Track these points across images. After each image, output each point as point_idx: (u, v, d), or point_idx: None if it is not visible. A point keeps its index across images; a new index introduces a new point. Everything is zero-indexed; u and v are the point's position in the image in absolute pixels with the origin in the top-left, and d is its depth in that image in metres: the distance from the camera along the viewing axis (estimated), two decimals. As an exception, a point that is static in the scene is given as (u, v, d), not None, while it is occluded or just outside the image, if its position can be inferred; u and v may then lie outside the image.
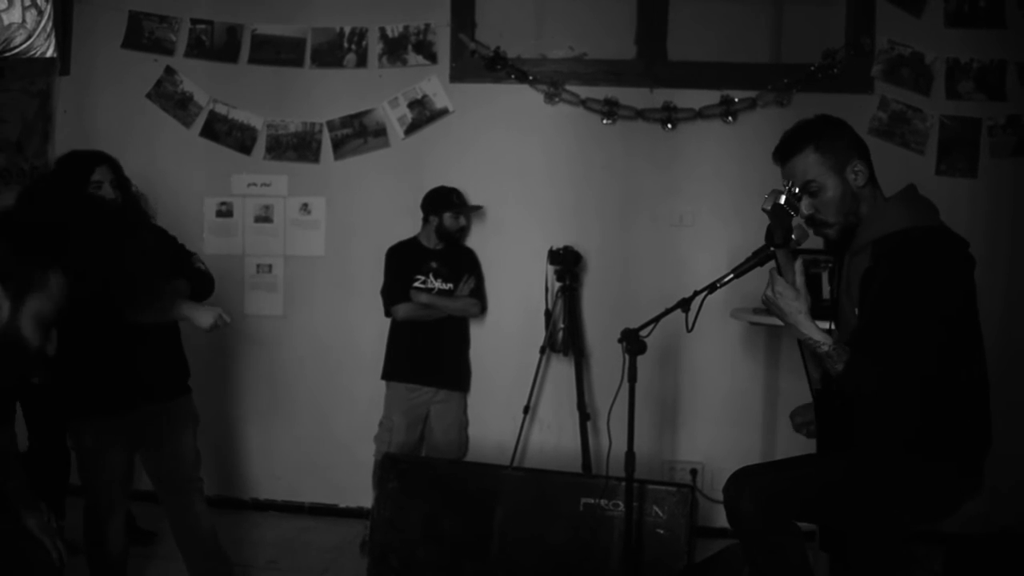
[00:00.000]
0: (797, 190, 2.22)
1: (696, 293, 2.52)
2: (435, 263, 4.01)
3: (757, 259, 2.36)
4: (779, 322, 3.48)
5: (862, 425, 2.30)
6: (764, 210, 2.20)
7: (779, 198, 2.19)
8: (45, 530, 2.19)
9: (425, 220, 4.04)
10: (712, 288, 2.49)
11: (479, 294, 4.10)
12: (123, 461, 2.93)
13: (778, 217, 2.19)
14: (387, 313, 3.99)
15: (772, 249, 2.20)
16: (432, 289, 3.98)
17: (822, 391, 2.43)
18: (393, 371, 4.02)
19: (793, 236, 2.27)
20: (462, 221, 4.06)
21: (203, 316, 2.87)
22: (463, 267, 4.07)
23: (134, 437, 2.97)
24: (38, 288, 1.65)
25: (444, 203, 4.00)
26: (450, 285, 4.01)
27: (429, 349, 3.98)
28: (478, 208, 4.15)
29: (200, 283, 3.11)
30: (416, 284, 3.96)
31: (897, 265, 2.15)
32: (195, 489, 3.09)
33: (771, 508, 2.18)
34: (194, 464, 3.09)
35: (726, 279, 2.44)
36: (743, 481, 2.26)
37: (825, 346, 2.13)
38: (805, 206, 2.27)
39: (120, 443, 2.90)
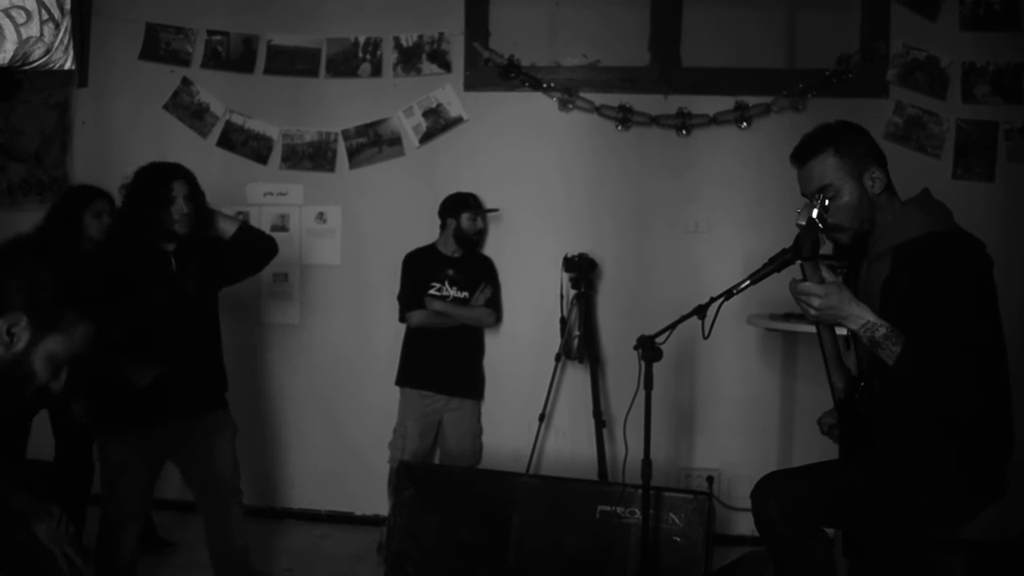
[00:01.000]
0: (828, 203, 2.21)
1: (712, 300, 2.52)
2: (452, 271, 4.01)
3: (774, 265, 2.36)
4: (795, 328, 3.50)
5: (884, 431, 2.29)
6: (799, 225, 2.18)
7: (812, 212, 2.18)
8: (53, 538, 2.20)
9: (443, 225, 4.05)
10: (729, 295, 2.48)
11: (495, 304, 4.10)
12: (145, 476, 2.94)
13: (809, 230, 2.18)
14: (402, 319, 4.00)
15: (800, 261, 2.18)
16: (447, 297, 3.99)
17: (845, 400, 2.42)
18: (407, 377, 4.03)
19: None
20: (479, 223, 4.06)
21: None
22: (480, 275, 4.07)
23: (163, 450, 3.00)
24: (62, 331, 1.72)
25: (461, 205, 4.01)
26: (466, 293, 4.01)
27: (443, 356, 3.98)
28: (495, 211, 4.16)
29: (240, 257, 3.14)
30: (432, 291, 3.97)
31: (918, 271, 2.15)
32: (233, 501, 3.10)
33: (799, 513, 2.18)
34: (231, 475, 3.12)
35: (743, 285, 2.44)
36: (771, 486, 2.26)
37: (883, 328, 2.08)
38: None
39: (146, 457, 2.92)
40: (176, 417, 2.95)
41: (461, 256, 4.05)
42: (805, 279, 2.16)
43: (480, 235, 4.11)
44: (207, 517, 3.12)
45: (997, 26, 4.01)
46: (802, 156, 2.31)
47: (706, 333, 2.49)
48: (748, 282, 2.42)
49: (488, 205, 4.13)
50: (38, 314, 1.67)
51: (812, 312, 2.15)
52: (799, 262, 2.25)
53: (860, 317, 2.10)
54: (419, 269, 4.01)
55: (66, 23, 4.47)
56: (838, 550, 2.54)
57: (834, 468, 2.43)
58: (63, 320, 1.72)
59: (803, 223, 2.17)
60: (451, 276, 4.01)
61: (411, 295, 3.98)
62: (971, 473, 2.18)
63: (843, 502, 2.23)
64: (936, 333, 2.07)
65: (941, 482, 2.19)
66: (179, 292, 2.93)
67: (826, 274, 2.16)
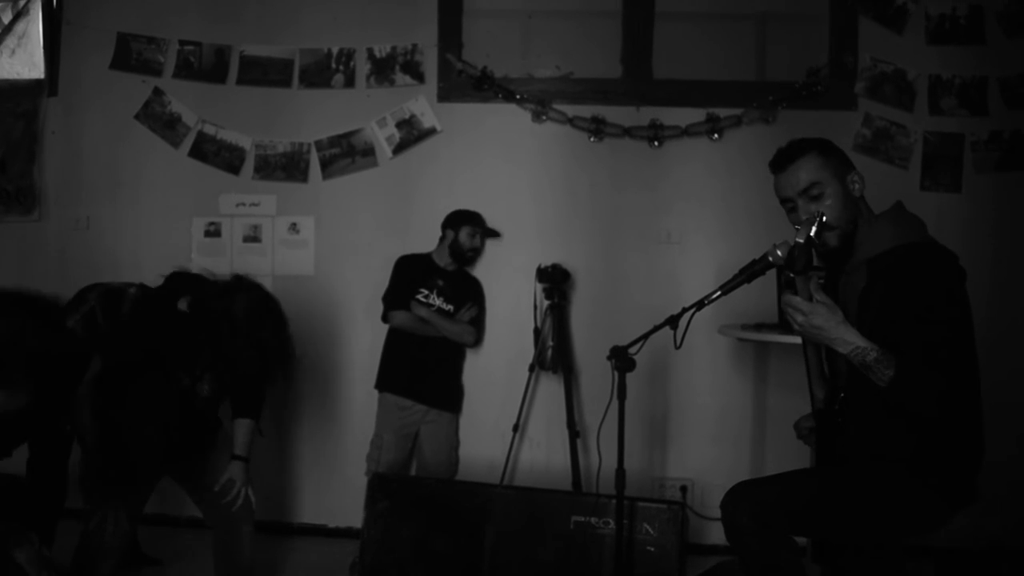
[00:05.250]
0: (825, 218, 2.22)
1: (684, 310, 2.53)
2: (442, 281, 4.02)
3: (744, 276, 2.37)
4: (766, 338, 3.53)
5: (856, 439, 2.31)
6: (797, 242, 2.19)
7: (811, 230, 2.18)
8: (33, 562, 2.18)
9: (442, 237, 4.06)
10: (700, 305, 2.49)
11: (478, 324, 4.11)
12: (132, 506, 2.90)
13: (806, 247, 2.19)
14: (384, 318, 3.99)
15: (792, 276, 2.18)
16: (432, 306, 3.99)
17: (824, 411, 2.45)
18: (386, 382, 4.02)
19: (779, 253, 2.29)
20: (477, 241, 4.07)
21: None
22: (468, 294, 4.08)
23: (153, 481, 3.01)
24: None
25: (465, 218, 4.04)
26: (451, 307, 4.02)
27: (423, 365, 3.99)
28: (496, 234, 4.17)
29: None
30: (419, 297, 3.97)
31: (892, 284, 2.18)
32: (243, 519, 3.07)
33: (768, 521, 2.19)
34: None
35: (714, 296, 2.45)
36: (741, 495, 2.27)
37: (874, 352, 2.08)
38: (804, 213, 2.28)
39: (136, 490, 2.89)
40: (168, 461, 3.01)
41: (454, 271, 4.06)
42: (796, 293, 2.17)
43: (475, 253, 4.11)
44: (215, 532, 3.09)
45: (962, 40, 4.08)
46: (787, 157, 2.32)
47: (678, 343, 2.50)
48: (719, 293, 2.44)
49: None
50: None
51: (795, 327, 2.18)
52: (773, 272, 2.27)
53: (849, 342, 2.11)
54: (410, 272, 4.01)
55: (20, 29, 4.46)
56: (807, 556, 2.56)
57: (804, 477, 2.45)
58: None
59: (801, 240, 2.17)
60: (440, 287, 4.01)
61: (397, 295, 3.98)
62: (941, 481, 2.21)
63: (813, 510, 2.25)
64: (920, 350, 2.08)
65: (911, 490, 2.21)
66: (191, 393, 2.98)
67: (817, 294, 2.16)
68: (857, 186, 2.30)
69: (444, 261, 4.05)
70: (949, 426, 2.17)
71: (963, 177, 4.08)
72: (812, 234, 2.17)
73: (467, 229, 4.03)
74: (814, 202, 2.28)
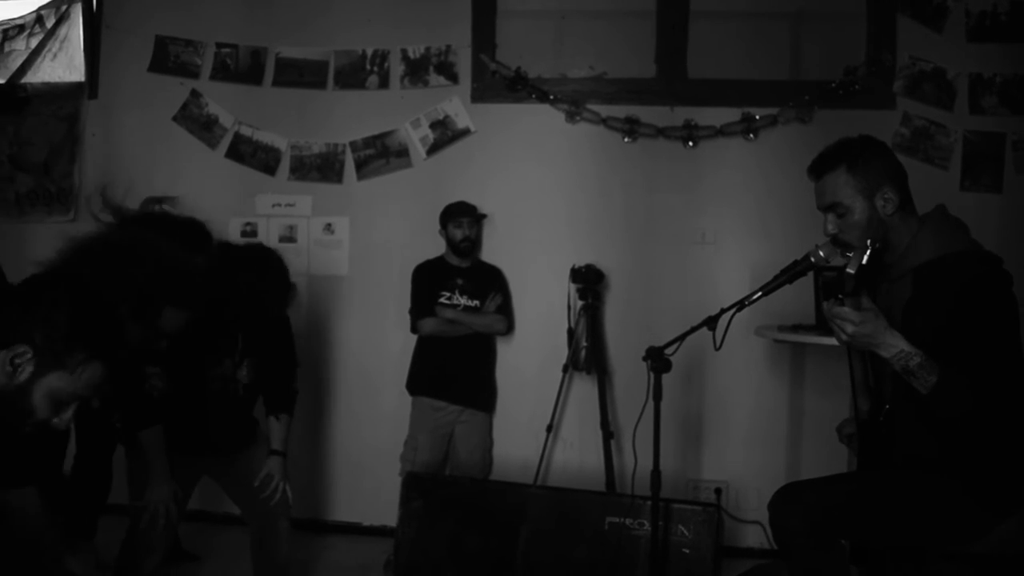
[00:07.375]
0: (878, 245, 2.19)
1: (723, 311, 2.52)
2: (461, 280, 4.04)
3: (787, 276, 2.35)
4: (803, 339, 3.50)
5: (903, 448, 2.28)
6: (848, 272, 2.16)
7: (863, 258, 2.15)
8: (88, 570, 2.19)
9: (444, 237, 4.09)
10: (741, 306, 2.48)
11: (506, 311, 4.11)
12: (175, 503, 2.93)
13: (857, 276, 2.16)
14: (413, 329, 4.02)
15: (840, 296, 2.15)
16: (458, 305, 4.00)
17: (868, 422, 2.42)
18: (417, 385, 4.04)
19: (821, 254, 2.27)
20: (465, 231, 4.04)
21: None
22: (490, 285, 4.09)
23: (196, 475, 3.02)
24: (67, 369, 1.68)
25: (446, 214, 4.05)
26: (476, 302, 4.03)
27: (455, 366, 4.00)
28: (483, 216, 4.16)
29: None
30: (442, 300, 3.99)
31: (940, 295, 2.14)
32: (280, 514, 3.09)
33: (818, 524, 2.17)
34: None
35: (755, 297, 2.43)
36: (790, 497, 2.26)
37: (918, 357, 2.04)
38: (831, 225, 2.27)
39: (179, 481, 2.91)
40: (205, 456, 3.01)
41: (469, 266, 4.08)
42: (844, 305, 2.13)
43: (469, 242, 4.07)
44: (253, 528, 3.12)
45: (1003, 38, 4.02)
46: (818, 171, 2.31)
47: (718, 345, 2.49)
48: (760, 293, 2.42)
49: (495, 215, 4.17)
50: (45, 349, 1.65)
51: (844, 337, 2.11)
52: (811, 273, 2.26)
53: (894, 346, 2.06)
54: (428, 279, 4.03)
55: (62, 33, 4.56)
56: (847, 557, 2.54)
57: (853, 481, 2.43)
58: (70, 358, 1.68)
59: (852, 271, 2.13)
60: (460, 285, 4.02)
61: (421, 304, 4.00)
62: (985, 490, 2.18)
63: (861, 514, 2.23)
64: (970, 364, 2.05)
65: (956, 498, 2.18)
66: (232, 380, 2.99)
67: (865, 301, 2.11)
68: (889, 204, 2.23)
69: (455, 259, 4.07)
70: (995, 435, 2.14)
71: (1004, 177, 4.02)
72: (864, 262, 2.13)
73: (451, 224, 4.04)
74: (839, 218, 2.25)
